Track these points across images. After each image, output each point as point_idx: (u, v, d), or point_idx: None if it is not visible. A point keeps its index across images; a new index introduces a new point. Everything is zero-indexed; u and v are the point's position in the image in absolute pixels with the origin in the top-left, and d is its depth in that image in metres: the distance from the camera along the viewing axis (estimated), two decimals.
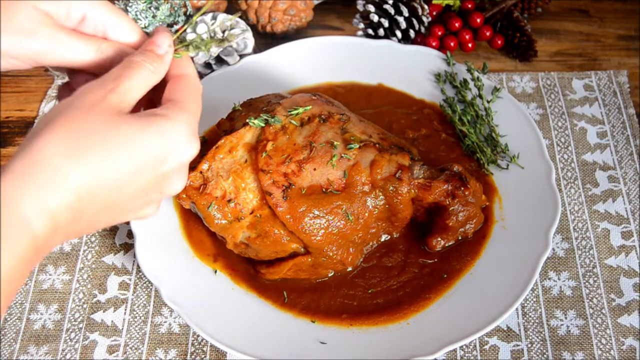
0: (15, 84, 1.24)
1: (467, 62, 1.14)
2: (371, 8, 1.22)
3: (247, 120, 0.92)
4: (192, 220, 0.99)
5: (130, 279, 0.99)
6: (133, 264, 1.01)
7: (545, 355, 0.90)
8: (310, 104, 0.96)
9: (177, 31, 0.95)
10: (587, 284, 0.97)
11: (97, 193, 0.63)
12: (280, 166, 0.90)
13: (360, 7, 1.25)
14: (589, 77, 1.21)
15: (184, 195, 0.91)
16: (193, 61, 1.16)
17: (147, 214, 0.72)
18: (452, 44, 1.22)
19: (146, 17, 1.16)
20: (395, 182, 0.92)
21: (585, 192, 1.06)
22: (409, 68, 1.16)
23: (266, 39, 1.28)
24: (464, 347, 0.91)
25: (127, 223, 1.03)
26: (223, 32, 1.16)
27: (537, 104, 1.17)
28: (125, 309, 0.96)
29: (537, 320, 0.93)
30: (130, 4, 1.16)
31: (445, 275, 0.94)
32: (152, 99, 0.76)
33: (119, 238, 1.03)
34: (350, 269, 0.95)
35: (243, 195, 0.90)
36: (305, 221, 0.89)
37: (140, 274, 0.99)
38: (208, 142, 0.98)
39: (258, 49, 1.23)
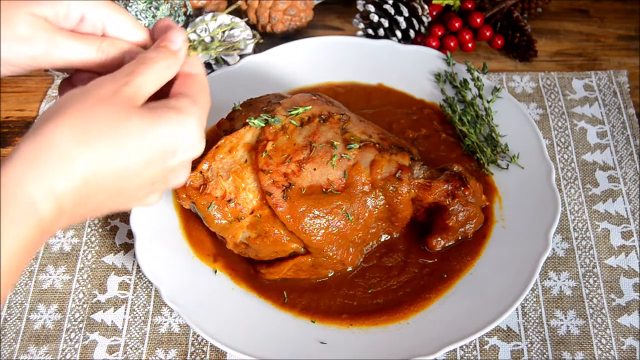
0: (15, 84, 1.24)
1: (467, 62, 1.14)
2: (371, 8, 1.22)
3: (247, 120, 0.92)
4: (192, 220, 0.99)
5: (130, 279, 0.99)
6: (133, 264, 1.01)
7: (545, 355, 0.90)
8: (310, 104, 0.96)
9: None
10: (587, 284, 0.97)
11: (104, 180, 0.64)
12: (280, 166, 0.90)
13: (360, 7, 1.25)
14: (589, 77, 1.21)
15: (184, 195, 0.91)
16: None
17: (150, 202, 0.73)
18: (452, 44, 1.22)
19: (146, 17, 1.16)
20: (395, 182, 0.92)
21: (585, 192, 1.06)
22: (409, 68, 1.16)
23: (266, 39, 1.28)
24: (464, 347, 0.91)
25: (128, 220, 1.04)
26: (223, 32, 1.16)
27: (537, 104, 1.17)
28: (125, 309, 0.96)
29: (537, 320, 0.93)
30: (130, 4, 1.16)
31: (445, 275, 0.94)
32: (157, 94, 0.76)
33: (119, 238, 1.03)
34: (350, 269, 0.95)
35: (243, 195, 0.90)
36: (305, 221, 0.89)
37: (140, 274, 0.99)
38: (208, 142, 0.97)
39: (258, 49, 1.23)
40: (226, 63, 1.19)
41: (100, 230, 1.04)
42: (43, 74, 1.25)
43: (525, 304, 0.95)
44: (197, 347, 0.93)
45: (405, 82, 1.16)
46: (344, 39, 1.19)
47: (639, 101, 1.17)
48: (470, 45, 1.23)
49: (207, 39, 1.14)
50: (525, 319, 0.94)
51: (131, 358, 0.92)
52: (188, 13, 1.23)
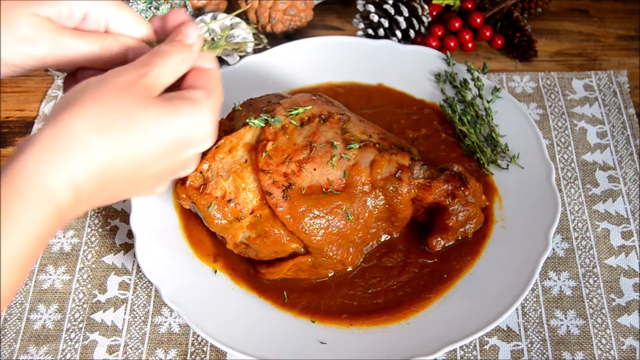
0: (15, 84, 1.24)
1: (467, 62, 1.14)
2: (371, 8, 1.22)
3: (247, 120, 0.92)
4: (192, 220, 0.99)
5: (130, 279, 0.99)
6: (133, 264, 1.01)
7: (545, 355, 0.90)
8: (310, 104, 0.96)
9: None
10: (587, 284, 0.97)
11: (121, 169, 0.65)
12: (280, 166, 0.90)
13: (360, 7, 1.25)
14: (589, 77, 1.21)
15: (184, 195, 0.91)
16: None
17: (159, 191, 0.75)
18: (452, 44, 1.22)
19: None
20: (395, 182, 0.92)
21: (585, 192, 1.06)
22: (409, 68, 1.16)
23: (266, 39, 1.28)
24: (464, 347, 0.91)
25: (128, 220, 1.04)
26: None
27: (537, 104, 1.17)
28: (125, 309, 0.96)
29: (537, 320, 0.93)
30: (130, 4, 1.16)
31: (445, 275, 0.94)
32: (169, 89, 0.77)
33: (119, 238, 1.03)
34: (350, 269, 0.95)
35: (243, 195, 0.90)
36: (305, 221, 0.89)
37: (140, 274, 0.99)
38: None
39: (258, 49, 1.23)
40: (226, 63, 1.19)
41: (100, 230, 1.04)
42: (43, 74, 1.25)
43: (525, 304, 0.95)
44: (197, 347, 0.93)
45: (405, 82, 1.16)
46: (344, 39, 1.19)
47: (639, 101, 1.17)
48: (470, 45, 1.23)
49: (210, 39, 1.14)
50: (525, 319, 0.94)
51: (131, 358, 0.92)
52: (188, 13, 1.23)
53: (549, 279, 0.97)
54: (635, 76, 1.21)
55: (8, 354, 0.92)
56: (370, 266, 0.96)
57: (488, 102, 1.09)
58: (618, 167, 1.08)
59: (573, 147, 1.11)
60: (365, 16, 1.25)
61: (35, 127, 1.16)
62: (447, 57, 1.15)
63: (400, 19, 1.20)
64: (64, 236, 1.03)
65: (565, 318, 0.94)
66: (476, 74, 1.13)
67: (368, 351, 0.88)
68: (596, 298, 0.95)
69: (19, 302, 0.97)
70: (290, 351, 0.87)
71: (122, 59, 0.75)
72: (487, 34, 1.23)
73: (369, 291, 0.94)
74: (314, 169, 0.90)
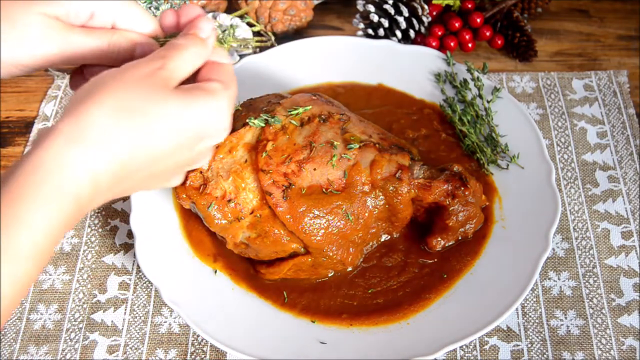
0: (15, 84, 1.24)
1: (467, 62, 1.14)
2: (371, 8, 1.22)
3: (247, 120, 0.92)
4: (192, 220, 0.99)
5: (130, 279, 0.99)
6: (133, 264, 1.01)
7: (545, 355, 0.90)
8: (310, 104, 0.96)
9: None
10: (587, 284, 0.97)
11: (140, 161, 0.65)
12: (280, 166, 0.90)
13: (360, 7, 1.25)
14: (589, 77, 1.21)
15: (184, 195, 0.91)
16: None
17: (173, 183, 0.77)
18: (452, 44, 1.22)
19: None
20: (395, 182, 0.92)
21: (585, 192, 1.06)
22: (409, 68, 1.16)
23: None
24: (464, 347, 0.91)
25: (128, 220, 1.04)
26: (223, 32, 1.16)
27: (537, 104, 1.17)
28: (125, 309, 0.96)
29: (537, 320, 0.93)
30: None
31: (445, 275, 0.94)
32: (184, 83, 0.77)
33: (119, 238, 1.03)
34: (350, 269, 0.95)
35: (243, 195, 0.90)
36: (305, 221, 0.89)
37: (140, 274, 0.99)
38: None
39: (258, 48, 1.23)
40: None
41: (100, 230, 1.04)
42: (43, 74, 1.25)
43: (525, 304, 0.95)
44: (197, 347, 0.93)
45: (405, 82, 1.16)
46: (344, 39, 1.19)
47: (639, 101, 1.17)
48: (470, 45, 1.23)
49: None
50: (525, 319, 0.94)
51: (131, 358, 0.92)
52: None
53: (549, 279, 0.97)
54: (635, 76, 1.21)
55: (8, 354, 0.92)
56: (370, 266, 0.96)
57: (488, 102, 1.09)
58: (618, 167, 1.08)
59: (573, 147, 1.11)
60: (365, 16, 1.25)
61: (36, 127, 1.16)
62: (447, 57, 1.15)
63: (400, 19, 1.20)
64: (64, 236, 1.03)
65: (565, 318, 0.94)
66: (476, 74, 1.13)
67: (368, 351, 0.88)
68: (596, 298, 0.95)
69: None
70: (290, 351, 0.87)
71: (129, 55, 0.76)
72: (487, 34, 1.23)
73: (369, 291, 0.94)
74: (314, 169, 0.90)
